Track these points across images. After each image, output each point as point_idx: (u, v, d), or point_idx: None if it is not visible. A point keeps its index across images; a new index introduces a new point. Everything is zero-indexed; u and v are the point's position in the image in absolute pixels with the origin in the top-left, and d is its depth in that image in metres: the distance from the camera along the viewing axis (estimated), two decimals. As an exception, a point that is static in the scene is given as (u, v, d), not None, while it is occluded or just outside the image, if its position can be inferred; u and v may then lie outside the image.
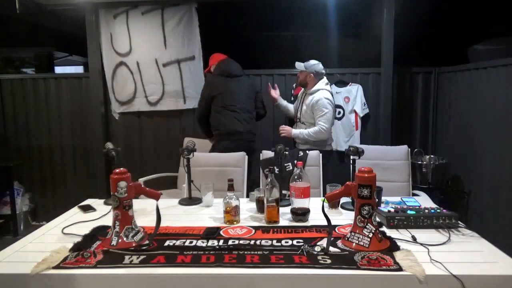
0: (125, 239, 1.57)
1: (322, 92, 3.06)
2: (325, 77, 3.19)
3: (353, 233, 1.55)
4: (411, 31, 4.41)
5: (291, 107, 3.46)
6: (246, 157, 2.76)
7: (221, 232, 1.72)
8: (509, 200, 2.76)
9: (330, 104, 3.02)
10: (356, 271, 1.34)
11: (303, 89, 3.25)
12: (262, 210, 1.92)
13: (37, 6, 3.70)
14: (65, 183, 4.24)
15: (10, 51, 6.72)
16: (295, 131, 3.12)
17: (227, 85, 3.23)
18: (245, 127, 3.19)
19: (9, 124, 4.18)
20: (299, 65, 3.18)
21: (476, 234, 1.64)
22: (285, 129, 3.17)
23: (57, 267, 1.40)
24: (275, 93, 3.46)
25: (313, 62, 3.15)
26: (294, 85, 3.95)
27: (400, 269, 1.34)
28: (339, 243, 1.57)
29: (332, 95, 3.16)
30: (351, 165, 2.12)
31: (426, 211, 1.77)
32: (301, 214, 1.85)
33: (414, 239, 1.58)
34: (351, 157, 2.12)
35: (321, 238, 1.61)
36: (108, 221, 1.78)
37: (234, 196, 1.85)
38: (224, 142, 3.18)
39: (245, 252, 1.49)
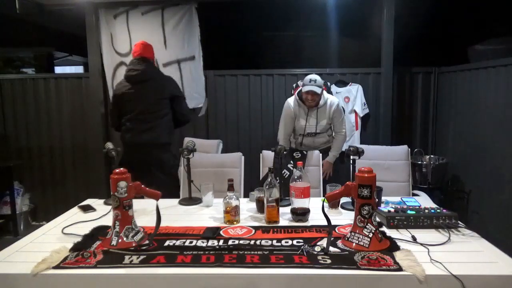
0: (125, 239, 1.56)
1: (332, 99, 3.00)
2: None
3: (353, 233, 1.55)
4: (411, 31, 4.41)
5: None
6: (243, 157, 2.75)
7: (221, 232, 1.72)
8: (509, 200, 2.76)
9: (343, 109, 3.11)
10: (356, 271, 1.34)
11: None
12: (262, 210, 1.92)
13: (37, 6, 3.70)
14: (65, 183, 4.24)
15: (10, 51, 6.72)
16: (331, 159, 3.02)
17: (129, 91, 2.81)
18: (141, 138, 2.77)
19: (9, 124, 4.19)
20: (318, 89, 2.84)
21: (476, 234, 1.64)
22: (325, 169, 2.99)
23: (57, 267, 1.40)
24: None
25: (316, 77, 2.88)
26: (294, 85, 3.95)
27: (400, 269, 1.33)
28: (339, 243, 1.57)
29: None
30: (351, 165, 2.12)
31: (426, 211, 1.77)
32: (301, 214, 1.85)
33: (414, 239, 1.58)
34: (351, 157, 2.12)
35: (321, 238, 1.61)
36: (108, 221, 1.78)
37: (234, 196, 1.85)
38: (124, 156, 2.71)
39: (245, 252, 1.49)
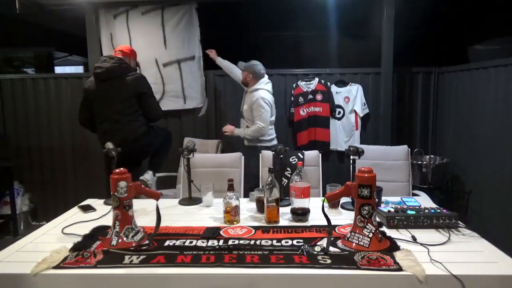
0: (125, 239, 1.57)
1: (260, 92, 3.16)
2: (266, 77, 3.28)
3: (353, 233, 1.55)
4: (411, 31, 4.41)
5: (233, 67, 3.57)
6: (243, 157, 2.75)
7: (221, 232, 1.72)
8: (509, 200, 2.76)
9: (267, 104, 3.13)
10: (356, 271, 1.34)
11: (246, 87, 3.33)
12: (262, 210, 1.92)
13: (37, 6, 3.70)
14: (65, 183, 4.24)
15: (10, 51, 6.72)
16: (237, 130, 3.27)
17: (93, 88, 2.78)
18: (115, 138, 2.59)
19: (9, 124, 4.19)
20: (241, 65, 3.33)
21: (476, 234, 1.64)
22: (228, 128, 3.32)
23: (57, 267, 1.40)
24: (213, 54, 3.66)
25: (253, 62, 3.24)
26: (294, 85, 3.95)
27: (400, 269, 1.33)
28: (339, 243, 1.57)
29: (272, 94, 3.25)
30: (351, 165, 2.11)
31: (426, 211, 1.77)
32: (301, 214, 1.85)
33: (414, 239, 1.58)
34: (351, 157, 2.11)
35: (321, 238, 1.61)
36: (108, 221, 1.78)
37: (234, 196, 1.85)
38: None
39: (245, 252, 1.49)
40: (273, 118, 3.32)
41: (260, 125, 3.12)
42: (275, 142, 3.36)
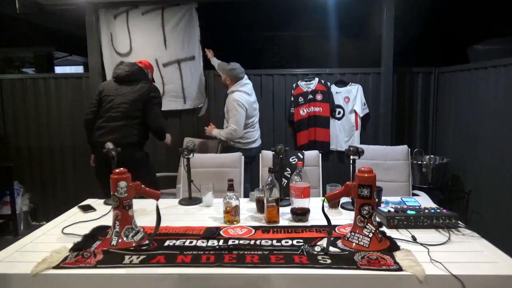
0: (125, 239, 1.57)
1: (236, 94, 3.20)
2: (244, 78, 3.31)
3: (353, 233, 1.55)
4: (411, 31, 4.41)
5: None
6: (242, 157, 2.75)
7: (221, 232, 1.72)
8: (509, 200, 2.76)
9: (240, 106, 3.14)
10: (356, 271, 1.34)
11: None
12: (262, 210, 1.92)
13: (37, 6, 3.70)
14: (65, 183, 4.24)
15: (10, 51, 6.72)
16: (214, 131, 3.33)
17: (115, 90, 2.82)
18: (107, 137, 2.65)
19: (9, 124, 4.18)
20: (219, 67, 3.40)
21: (476, 234, 1.64)
22: (208, 128, 3.40)
23: (57, 267, 1.40)
24: (210, 53, 3.77)
25: (231, 66, 3.29)
26: (294, 85, 3.95)
27: (400, 269, 1.34)
28: (339, 243, 1.57)
29: (250, 95, 3.30)
30: (351, 165, 2.12)
31: (426, 211, 1.77)
32: (301, 214, 1.85)
33: (414, 239, 1.58)
34: (351, 157, 2.11)
35: (321, 238, 1.61)
36: (108, 221, 1.78)
37: (234, 196, 1.85)
38: (97, 159, 2.91)
39: (245, 252, 1.49)
40: (254, 119, 3.34)
41: (232, 127, 3.15)
42: (254, 145, 3.34)
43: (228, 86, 3.31)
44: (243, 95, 3.21)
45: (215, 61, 3.72)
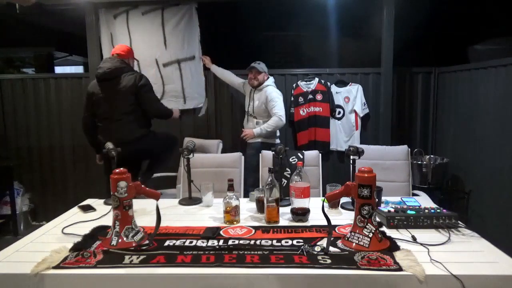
0: (125, 239, 1.56)
1: (271, 87, 3.38)
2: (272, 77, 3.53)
3: (353, 233, 1.55)
4: (411, 31, 4.41)
5: (228, 73, 3.74)
6: (243, 157, 2.75)
7: (221, 232, 1.72)
8: (509, 200, 2.76)
9: (280, 95, 3.36)
10: (356, 271, 1.34)
11: (251, 87, 3.46)
12: (262, 210, 1.92)
13: (37, 6, 3.70)
14: (65, 183, 4.24)
15: (10, 51, 6.72)
16: (256, 130, 3.30)
17: (100, 91, 2.80)
18: (113, 137, 2.55)
19: (9, 124, 4.18)
20: (258, 66, 3.37)
21: (476, 234, 1.64)
22: (246, 133, 3.35)
23: (57, 267, 1.40)
24: (208, 60, 3.80)
25: (262, 63, 3.45)
26: (294, 85, 3.95)
27: (400, 269, 1.33)
28: (339, 243, 1.57)
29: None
30: (351, 165, 2.11)
31: (426, 211, 1.77)
32: (301, 214, 1.85)
33: (414, 239, 1.58)
34: (351, 157, 2.11)
35: (321, 238, 1.61)
36: (108, 221, 1.78)
37: (234, 196, 1.85)
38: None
39: (245, 252, 1.49)
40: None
41: (278, 113, 3.23)
42: (278, 140, 3.52)
43: (262, 83, 3.39)
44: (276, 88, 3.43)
45: (215, 68, 3.75)
